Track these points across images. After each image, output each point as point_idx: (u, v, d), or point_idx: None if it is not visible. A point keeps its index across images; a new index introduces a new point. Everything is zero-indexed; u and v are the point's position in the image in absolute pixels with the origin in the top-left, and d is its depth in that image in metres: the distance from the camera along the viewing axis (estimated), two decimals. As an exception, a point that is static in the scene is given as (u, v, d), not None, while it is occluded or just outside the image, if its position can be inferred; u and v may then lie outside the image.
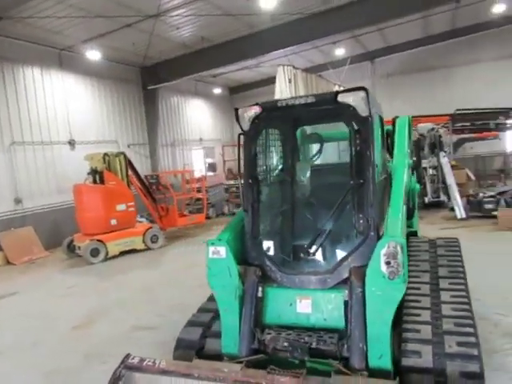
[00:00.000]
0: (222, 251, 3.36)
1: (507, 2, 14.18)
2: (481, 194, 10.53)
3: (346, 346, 2.92)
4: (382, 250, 2.87)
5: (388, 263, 2.84)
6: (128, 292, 7.13)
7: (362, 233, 3.14)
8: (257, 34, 13.76)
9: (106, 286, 7.67)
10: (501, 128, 14.86)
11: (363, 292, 2.94)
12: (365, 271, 2.96)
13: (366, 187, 3.10)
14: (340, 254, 3.36)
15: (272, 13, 11.99)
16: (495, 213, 9.69)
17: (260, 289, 3.28)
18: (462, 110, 15.07)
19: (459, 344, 2.92)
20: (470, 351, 2.86)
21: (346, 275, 3.13)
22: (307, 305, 3.22)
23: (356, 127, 3.18)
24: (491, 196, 10.35)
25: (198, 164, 18.93)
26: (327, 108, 3.26)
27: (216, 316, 3.69)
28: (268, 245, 3.56)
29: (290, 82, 11.93)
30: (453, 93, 18.38)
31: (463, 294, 3.54)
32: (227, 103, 23.72)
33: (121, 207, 9.93)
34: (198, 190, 12.94)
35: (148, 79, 15.92)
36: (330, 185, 3.73)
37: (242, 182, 3.54)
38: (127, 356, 3.12)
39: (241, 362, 2.93)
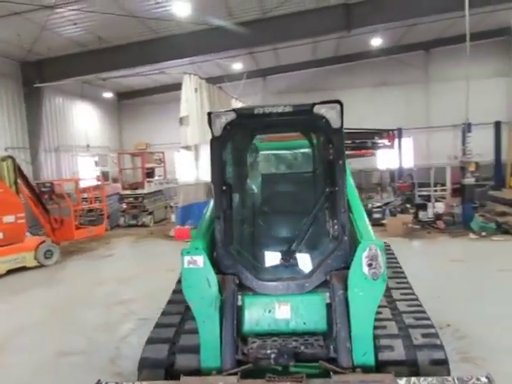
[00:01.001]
0: (200, 261, 3.21)
1: (382, 37, 16.26)
2: (369, 205, 11.77)
3: (332, 347, 3.02)
4: (364, 253, 3.06)
5: (370, 265, 3.04)
6: (36, 314, 6.22)
7: (337, 238, 3.30)
8: (160, 40, 13.45)
9: (4, 309, 6.59)
10: (375, 147, 16.85)
11: (345, 294, 3.09)
12: (346, 274, 3.12)
13: (339, 194, 3.27)
14: (315, 258, 3.47)
15: (179, 20, 11.86)
16: (384, 221, 10.93)
17: (239, 297, 3.21)
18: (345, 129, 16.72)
19: (424, 336, 3.25)
20: (434, 341, 3.21)
21: (323, 279, 3.25)
22: (286, 310, 3.25)
23: (328, 138, 3.35)
24: (378, 206, 11.65)
25: (86, 172, 17.52)
26: (301, 118, 3.37)
27: (180, 330, 3.50)
28: (242, 252, 3.51)
29: (196, 91, 11.89)
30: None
31: (410, 291, 3.93)
32: (115, 109, 22.54)
33: (9, 219, 8.68)
34: (96, 200, 11.97)
35: (30, 76, 14.31)
36: (292, 193, 3.85)
37: (213, 188, 3.44)
38: (98, 383, 2.77)
39: (233, 374, 2.83)
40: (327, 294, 3.16)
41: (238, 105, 16.23)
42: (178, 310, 3.79)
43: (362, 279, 3.05)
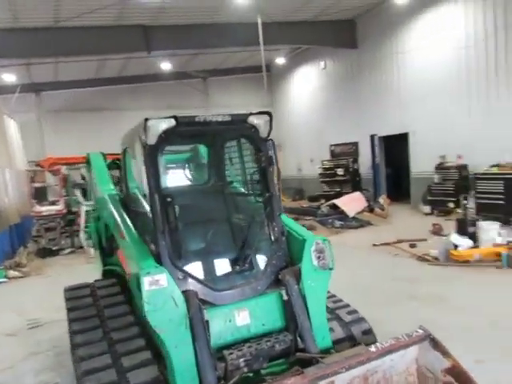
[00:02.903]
0: (163, 279, 2.86)
1: (171, 62, 17.01)
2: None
3: (299, 339, 3.19)
4: (311, 248, 3.38)
5: (319, 257, 3.38)
6: None
7: (277, 240, 3.52)
8: None
9: None
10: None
11: (299, 287, 3.33)
12: (295, 270, 3.36)
13: (274, 199, 3.53)
14: (261, 260, 3.55)
15: None
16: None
17: (205, 312, 3.02)
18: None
19: (348, 313, 3.80)
20: (358, 316, 3.78)
21: (272, 278, 3.41)
22: (245, 316, 3.21)
23: (257, 146, 3.57)
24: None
25: None
26: (234, 127, 3.49)
27: (119, 356, 3.06)
28: (191, 266, 3.28)
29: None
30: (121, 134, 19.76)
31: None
32: None
33: None
34: None
35: None
36: (198, 203, 3.88)
37: (153, 200, 3.15)
38: None
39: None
40: (283, 292, 3.33)
41: (10, 123, 13.99)
42: None
43: (313, 271, 3.36)
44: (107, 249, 4.73)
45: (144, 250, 3.19)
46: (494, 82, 11.16)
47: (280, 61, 19.16)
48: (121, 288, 4.14)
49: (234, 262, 3.44)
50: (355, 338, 3.58)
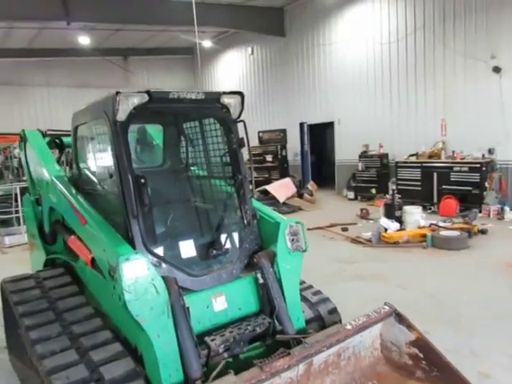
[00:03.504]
0: (142, 265, 2.65)
1: (91, 37, 15.76)
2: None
3: (276, 321, 3.18)
4: (286, 231, 3.38)
5: (292, 240, 3.39)
6: None
7: (249, 223, 3.47)
8: None
9: None
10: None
11: (273, 270, 3.31)
12: (270, 253, 3.34)
13: (245, 182, 3.47)
14: (233, 244, 3.44)
15: None
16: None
17: (185, 298, 2.86)
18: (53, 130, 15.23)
19: (313, 294, 3.88)
20: (323, 296, 3.88)
21: (245, 262, 3.35)
22: (222, 301, 3.12)
23: (228, 127, 3.47)
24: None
25: None
26: (207, 106, 3.34)
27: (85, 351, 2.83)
28: (166, 251, 3.07)
29: None
30: (38, 113, 18.02)
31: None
32: None
33: None
34: None
35: None
36: (161, 185, 3.69)
37: (126, 181, 2.91)
38: None
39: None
40: (259, 275, 3.29)
41: None
42: None
43: (287, 254, 3.36)
44: (49, 236, 4.29)
45: (114, 235, 2.94)
46: (412, 78, 12.05)
47: (206, 44, 18.74)
48: (71, 278, 3.80)
49: (207, 246, 3.31)
50: (322, 317, 3.68)
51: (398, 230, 7.98)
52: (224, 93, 3.30)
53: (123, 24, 15.04)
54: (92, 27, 15.17)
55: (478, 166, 9.68)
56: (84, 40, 15.56)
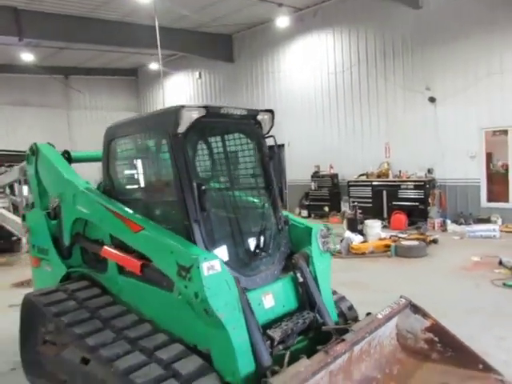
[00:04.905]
0: (217, 265, 2.85)
1: (34, 53, 15.15)
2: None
3: (318, 315, 3.50)
4: (318, 234, 3.75)
5: (324, 242, 3.77)
6: None
7: (282, 228, 3.80)
8: None
9: None
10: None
11: (310, 270, 3.65)
12: (305, 254, 3.68)
13: (276, 191, 3.83)
14: (273, 247, 3.70)
15: None
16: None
17: (248, 295, 3.09)
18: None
19: (333, 293, 4.25)
20: (340, 295, 4.25)
21: (283, 264, 3.66)
22: (270, 299, 3.37)
23: (259, 142, 3.81)
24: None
25: None
26: (244, 122, 3.67)
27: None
28: (223, 253, 3.26)
29: None
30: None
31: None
32: None
33: None
34: None
35: None
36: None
37: (186, 188, 3.12)
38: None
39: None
40: (298, 275, 3.60)
41: None
42: None
43: (320, 255, 3.74)
44: (67, 250, 4.24)
45: (179, 238, 3.11)
46: (358, 105, 13.20)
47: (153, 66, 18.81)
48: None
49: (254, 249, 3.56)
50: (344, 313, 4.06)
51: (361, 242, 8.67)
52: (261, 110, 3.66)
53: (72, 43, 14.70)
54: (36, 44, 14.64)
55: (422, 183, 10.85)
56: (27, 57, 14.94)
